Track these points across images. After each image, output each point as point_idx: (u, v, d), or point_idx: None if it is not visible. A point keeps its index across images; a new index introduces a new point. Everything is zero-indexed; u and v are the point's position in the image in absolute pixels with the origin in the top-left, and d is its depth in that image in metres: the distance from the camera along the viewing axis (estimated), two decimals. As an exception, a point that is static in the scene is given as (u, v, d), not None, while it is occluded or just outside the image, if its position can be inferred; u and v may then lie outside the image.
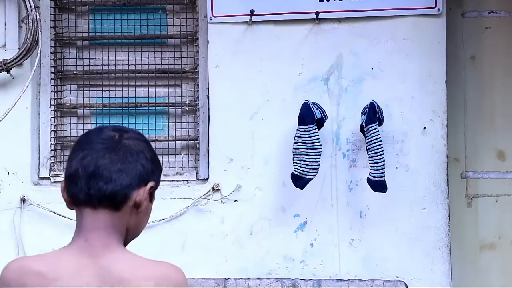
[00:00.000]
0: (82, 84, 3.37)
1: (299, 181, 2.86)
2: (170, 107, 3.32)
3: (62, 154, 3.35)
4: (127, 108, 3.33)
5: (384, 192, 2.86)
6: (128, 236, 1.65)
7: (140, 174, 1.60)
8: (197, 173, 3.25)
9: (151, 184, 1.61)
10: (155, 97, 3.33)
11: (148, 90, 3.34)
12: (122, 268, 1.56)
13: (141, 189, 1.60)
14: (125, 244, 1.64)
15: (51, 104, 3.33)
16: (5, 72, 3.16)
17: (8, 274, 1.57)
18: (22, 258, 1.64)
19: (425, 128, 3.03)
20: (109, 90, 3.34)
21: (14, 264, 1.57)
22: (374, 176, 2.85)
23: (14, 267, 1.57)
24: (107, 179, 1.57)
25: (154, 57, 3.34)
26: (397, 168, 3.03)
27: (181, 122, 3.32)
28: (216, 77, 3.12)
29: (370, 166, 2.86)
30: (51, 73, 3.34)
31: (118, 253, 1.58)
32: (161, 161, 3.06)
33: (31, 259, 1.60)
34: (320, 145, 2.85)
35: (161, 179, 1.68)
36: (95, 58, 3.35)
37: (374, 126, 2.85)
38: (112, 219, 1.59)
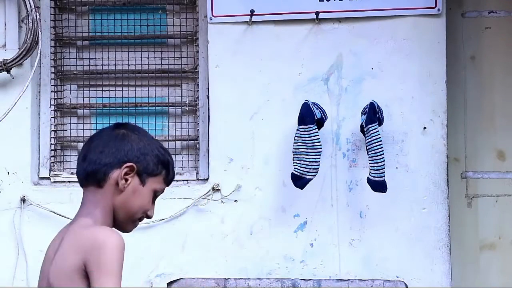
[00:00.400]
0: (82, 84, 3.37)
1: (299, 181, 2.86)
2: (170, 107, 3.32)
3: (62, 154, 3.35)
4: (127, 108, 3.33)
5: (384, 192, 2.86)
6: (118, 215, 1.84)
7: (120, 157, 1.80)
8: (197, 173, 3.25)
9: (128, 164, 1.79)
10: (155, 97, 3.33)
11: (148, 90, 3.34)
12: (68, 235, 1.86)
13: (120, 169, 1.79)
14: (119, 225, 1.85)
15: (51, 104, 3.33)
16: (5, 72, 3.16)
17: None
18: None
19: (425, 128, 3.03)
20: (109, 90, 3.34)
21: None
22: (374, 176, 2.85)
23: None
24: (90, 160, 1.81)
25: (154, 57, 3.34)
26: (397, 168, 3.03)
27: (181, 122, 3.32)
28: (216, 77, 3.12)
29: (370, 166, 2.86)
30: (51, 73, 3.34)
31: (77, 223, 1.87)
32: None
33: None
34: (320, 145, 2.85)
35: (167, 174, 1.85)
36: (95, 58, 3.35)
37: (374, 126, 2.85)
38: (95, 195, 1.82)
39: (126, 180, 1.81)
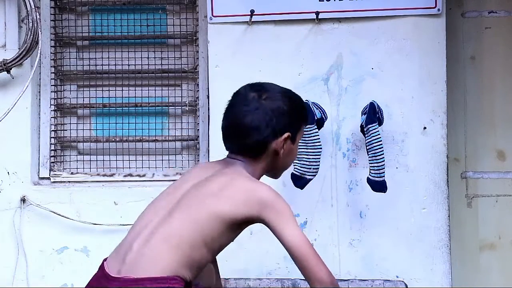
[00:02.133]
0: (82, 84, 3.37)
1: (299, 181, 2.86)
2: (170, 107, 3.32)
3: (62, 154, 3.35)
4: (127, 108, 3.33)
5: (384, 192, 2.86)
6: (274, 172, 2.15)
7: (274, 128, 2.01)
8: (197, 173, 3.24)
9: (285, 135, 2.03)
10: (155, 97, 3.34)
11: (148, 90, 3.34)
12: (227, 173, 2.02)
13: (278, 140, 2.02)
14: (276, 175, 2.18)
15: (51, 104, 3.33)
16: (5, 72, 3.16)
17: None
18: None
19: (425, 128, 3.03)
20: (109, 90, 3.35)
21: None
22: (374, 176, 2.85)
23: None
24: (247, 135, 2.01)
25: (154, 57, 3.34)
26: (397, 168, 3.04)
27: (181, 122, 3.32)
28: (216, 77, 3.12)
29: (370, 166, 2.86)
30: (51, 73, 3.34)
31: (233, 172, 2.03)
32: (161, 160, 3.07)
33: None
34: (320, 145, 2.85)
35: (301, 126, 2.11)
36: (95, 58, 3.35)
37: (374, 126, 2.85)
38: (249, 163, 2.05)
39: (283, 147, 2.04)
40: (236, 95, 2.10)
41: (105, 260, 2.08)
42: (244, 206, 1.95)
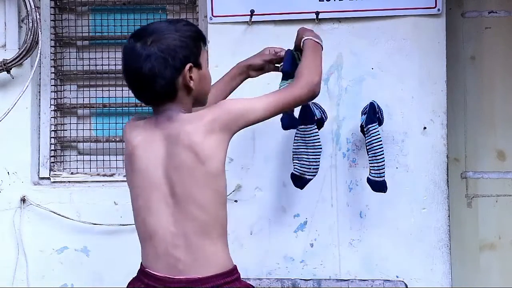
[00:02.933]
0: (82, 84, 3.38)
1: (299, 181, 2.86)
2: (170, 107, 3.32)
3: (62, 154, 3.35)
4: (127, 108, 3.33)
5: (384, 192, 2.86)
6: (199, 100, 2.13)
7: (173, 66, 2.01)
8: (197, 173, 3.24)
9: (187, 66, 2.03)
10: (155, 97, 3.33)
11: (148, 90, 3.34)
12: (176, 130, 2.03)
13: (182, 75, 2.03)
14: (203, 103, 2.15)
15: (51, 104, 3.33)
16: (5, 72, 3.16)
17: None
18: (131, 122, 2.18)
19: (425, 128, 3.03)
20: (109, 90, 3.35)
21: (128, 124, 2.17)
22: (374, 176, 2.84)
23: (128, 125, 2.17)
24: (152, 84, 2.01)
25: (154, 57, 3.33)
26: (397, 168, 3.04)
27: (181, 122, 3.32)
28: (216, 77, 3.11)
29: (370, 166, 2.86)
30: (51, 73, 3.34)
31: (176, 121, 2.05)
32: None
33: (130, 125, 2.17)
34: (320, 145, 2.85)
35: (199, 48, 2.09)
36: (95, 58, 3.35)
37: (374, 126, 2.85)
38: (172, 104, 2.06)
39: (191, 78, 2.04)
40: (125, 51, 2.08)
41: (141, 272, 2.12)
42: (215, 141, 2.02)
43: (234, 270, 2.07)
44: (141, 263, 2.12)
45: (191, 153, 1.99)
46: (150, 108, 3.30)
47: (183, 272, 2.00)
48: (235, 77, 2.60)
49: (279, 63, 2.63)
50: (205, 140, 1.99)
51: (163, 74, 2.00)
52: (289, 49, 2.65)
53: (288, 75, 2.77)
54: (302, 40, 2.36)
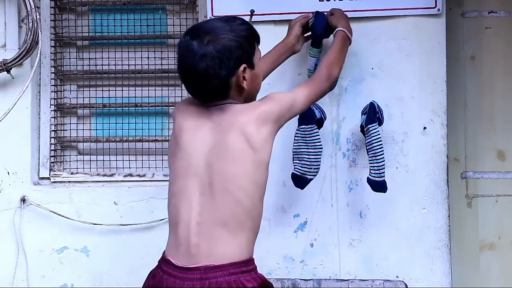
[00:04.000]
0: (82, 84, 3.38)
1: (300, 181, 2.86)
2: (170, 107, 3.32)
3: (62, 154, 3.35)
4: (127, 108, 3.33)
5: (384, 192, 2.86)
6: (250, 98, 2.18)
7: (228, 66, 2.06)
8: (197, 173, 3.24)
9: (241, 68, 2.09)
10: (155, 97, 3.34)
11: (148, 90, 3.34)
12: (227, 118, 2.10)
13: (237, 75, 2.08)
14: (252, 100, 2.20)
15: (51, 104, 3.33)
16: (5, 72, 3.16)
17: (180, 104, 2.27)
18: (184, 101, 2.28)
19: (425, 128, 3.03)
20: (109, 90, 3.35)
21: (181, 103, 2.29)
22: (374, 176, 2.84)
23: (181, 104, 2.27)
24: (207, 83, 2.07)
25: (154, 57, 3.34)
26: (397, 168, 3.03)
27: (181, 122, 3.32)
28: (216, 77, 3.12)
29: (370, 166, 2.86)
30: (51, 73, 3.34)
31: (227, 110, 2.11)
32: (161, 160, 3.07)
33: (184, 105, 2.25)
34: (321, 144, 2.85)
35: (253, 48, 2.16)
36: (95, 58, 3.35)
37: (374, 126, 2.85)
38: (225, 100, 2.12)
39: (244, 78, 2.10)
40: (180, 48, 2.13)
41: (162, 259, 2.15)
42: (266, 132, 2.11)
43: (250, 261, 2.11)
44: (164, 251, 2.16)
45: (244, 142, 2.05)
46: (150, 108, 3.32)
47: (200, 260, 2.04)
48: (279, 57, 2.75)
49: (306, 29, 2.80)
50: (258, 131, 2.06)
51: (217, 74, 2.05)
52: (320, 12, 2.79)
53: (320, 39, 2.81)
54: (336, 30, 2.50)
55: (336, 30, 2.55)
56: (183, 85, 3.29)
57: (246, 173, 2.04)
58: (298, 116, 2.89)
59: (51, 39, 3.34)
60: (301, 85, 2.29)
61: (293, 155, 2.86)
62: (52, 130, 3.33)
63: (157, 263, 2.19)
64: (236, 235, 2.06)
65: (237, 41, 2.08)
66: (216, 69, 2.04)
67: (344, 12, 2.75)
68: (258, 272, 2.13)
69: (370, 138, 2.84)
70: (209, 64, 2.04)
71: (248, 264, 2.08)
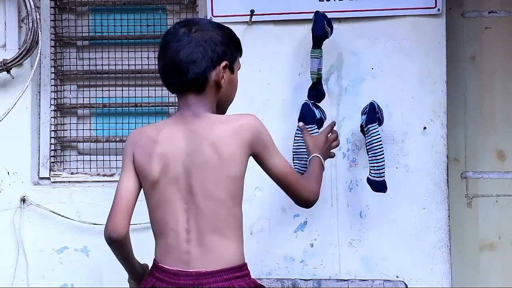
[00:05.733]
0: (82, 84, 3.37)
1: (299, 181, 2.85)
2: (170, 107, 3.32)
3: (62, 154, 3.35)
4: (127, 108, 3.33)
5: (384, 192, 2.86)
6: (222, 106, 2.14)
7: (211, 58, 2.03)
8: (197, 173, 3.24)
9: (223, 63, 2.05)
10: (155, 97, 3.34)
11: (148, 90, 3.34)
12: (203, 127, 2.03)
13: (217, 70, 2.04)
14: (223, 111, 2.15)
15: (51, 104, 3.33)
16: (5, 72, 3.16)
17: (132, 135, 2.13)
18: (142, 127, 2.18)
19: (425, 128, 3.03)
20: (109, 90, 3.34)
21: (136, 130, 2.14)
22: (374, 176, 2.84)
23: (136, 131, 2.13)
24: (186, 70, 2.01)
25: (154, 57, 3.34)
26: (397, 168, 3.03)
27: (181, 122, 3.32)
28: (216, 77, 3.12)
29: (370, 166, 2.86)
30: (51, 73, 3.34)
31: (203, 118, 2.04)
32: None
33: (146, 127, 2.15)
34: (320, 145, 2.85)
35: (237, 56, 2.13)
36: (95, 58, 3.35)
37: (374, 126, 2.85)
38: (199, 99, 2.05)
39: (223, 76, 2.06)
40: (167, 34, 2.10)
41: (154, 266, 2.13)
42: (241, 148, 2.02)
43: (243, 266, 2.07)
44: (154, 258, 2.14)
45: (216, 154, 1.99)
46: (150, 108, 3.32)
47: (193, 266, 2.02)
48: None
49: None
50: (231, 145, 2.00)
51: (199, 62, 2.02)
52: (319, 12, 2.82)
53: (321, 40, 2.81)
54: (312, 155, 2.43)
55: (312, 155, 2.42)
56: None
57: (220, 185, 2.00)
58: (299, 116, 2.90)
59: (51, 39, 3.34)
60: (290, 166, 2.17)
61: (293, 155, 2.86)
62: (52, 130, 3.33)
63: (149, 271, 2.18)
64: (226, 240, 2.04)
65: (223, 37, 2.07)
66: (199, 57, 2.01)
67: (326, 139, 2.57)
68: (252, 277, 2.12)
69: (370, 138, 2.84)
70: (193, 51, 2.01)
71: (241, 269, 2.06)
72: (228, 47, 2.08)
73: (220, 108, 2.13)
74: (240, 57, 2.16)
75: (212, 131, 2.01)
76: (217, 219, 2.02)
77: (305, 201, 2.19)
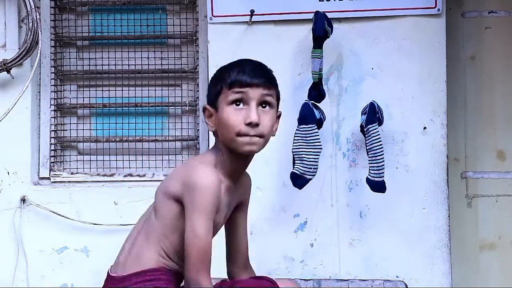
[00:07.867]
0: (82, 84, 3.37)
1: (299, 180, 2.85)
2: (170, 107, 3.32)
3: (62, 154, 3.35)
4: (127, 108, 3.33)
5: (383, 192, 2.86)
6: (224, 145, 2.11)
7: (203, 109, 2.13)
8: (197, 173, 3.24)
9: (202, 111, 2.13)
10: (155, 97, 3.34)
11: (148, 90, 3.34)
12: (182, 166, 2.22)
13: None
14: (232, 150, 2.10)
15: (51, 104, 3.33)
16: (5, 72, 3.16)
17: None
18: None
19: (425, 128, 3.03)
20: (109, 90, 3.35)
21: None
22: (373, 176, 2.84)
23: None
24: None
25: (154, 57, 3.34)
26: (397, 168, 3.03)
27: (181, 122, 3.32)
28: (216, 77, 3.11)
29: (370, 166, 2.86)
30: (51, 73, 3.34)
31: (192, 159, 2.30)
32: (161, 160, 3.06)
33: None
34: (320, 144, 2.85)
35: (219, 91, 2.09)
36: (95, 58, 3.35)
37: (374, 126, 2.85)
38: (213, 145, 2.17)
39: (207, 122, 2.11)
40: None
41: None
42: (176, 183, 2.05)
43: (157, 271, 2.10)
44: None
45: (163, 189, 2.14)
46: (150, 108, 3.32)
47: (117, 270, 2.15)
48: None
49: None
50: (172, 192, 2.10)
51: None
52: (319, 12, 2.82)
53: (321, 40, 2.84)
54: None
55: None
56: (183, 85, 3.31)
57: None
58: (298, 116, 2.90)
59: (51, 39, 3.34)
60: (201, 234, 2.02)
61: (293, 155, 2.86)
62: (52, 130, 3.33)
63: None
64: (146, 246, 2.15)
65: (210, 80, 2.18)
66: None
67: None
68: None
69: (370, 138, 2.84)
70: None
71: (152, 272, 2.12)
72: (208, 89, 2.17)
73: (227, 147, 2.12)
74: (233, 88, 2.08)
75: (175, 171, 2.20)
76: (155, 228, 2.15)
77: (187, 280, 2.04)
